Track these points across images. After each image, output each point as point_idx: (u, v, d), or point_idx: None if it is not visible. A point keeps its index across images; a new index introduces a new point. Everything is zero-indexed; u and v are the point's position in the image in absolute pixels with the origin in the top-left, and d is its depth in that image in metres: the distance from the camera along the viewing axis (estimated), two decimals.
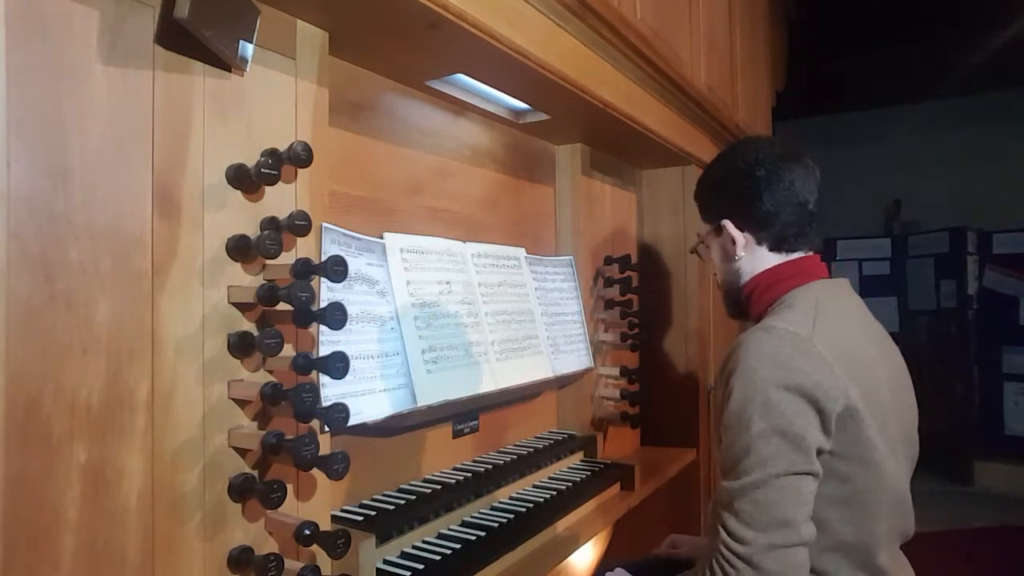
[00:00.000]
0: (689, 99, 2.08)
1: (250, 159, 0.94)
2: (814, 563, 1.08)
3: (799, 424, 1.01)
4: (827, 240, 5.61)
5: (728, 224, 1.24)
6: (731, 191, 1.24)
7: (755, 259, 1.24)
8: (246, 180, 0.93)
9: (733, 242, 1.24)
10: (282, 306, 0.94)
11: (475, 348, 1.49)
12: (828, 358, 1.04)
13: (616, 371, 2.06)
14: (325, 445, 1.05)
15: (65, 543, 0.74)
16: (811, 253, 1.24)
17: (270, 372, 0.98)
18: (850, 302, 1.21)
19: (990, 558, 3.54)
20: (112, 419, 0.79)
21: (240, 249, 0.92)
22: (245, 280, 0.95)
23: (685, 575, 1.21)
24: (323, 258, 1.02)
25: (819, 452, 1.03)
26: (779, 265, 1.22)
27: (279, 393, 0.90)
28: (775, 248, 1.23)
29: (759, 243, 1.23)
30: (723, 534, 1.04)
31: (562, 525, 1.48)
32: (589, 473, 1.74)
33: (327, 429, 1.00)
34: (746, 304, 1.25)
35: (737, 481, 1.04)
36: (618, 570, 1.44)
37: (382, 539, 1.17)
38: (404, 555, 1.22)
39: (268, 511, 0.96)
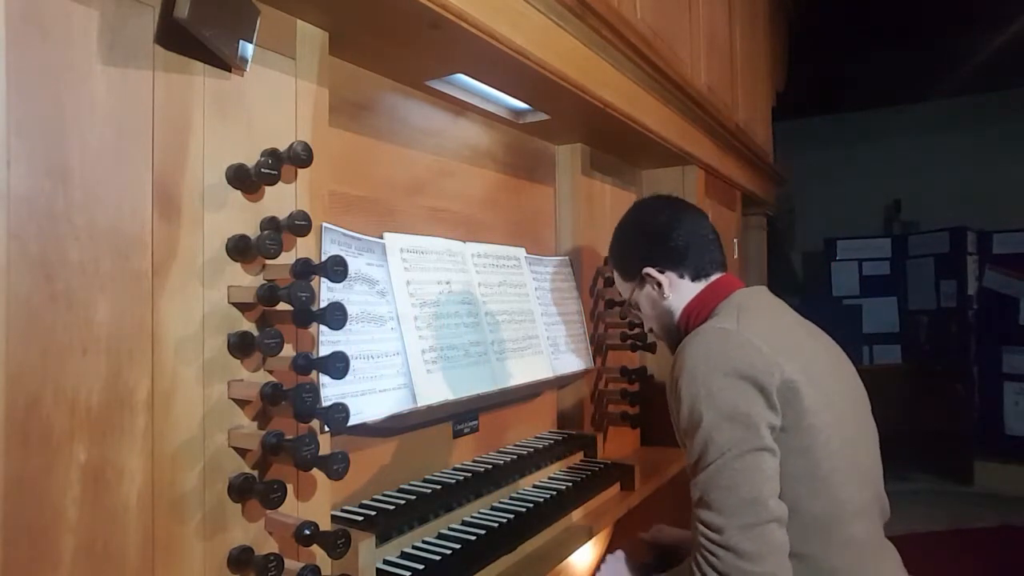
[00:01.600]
0: (689, 99, 2.08)
1: (250, 159, 0.94)
2: (794, 547, 1.09)
3: (743, 404, 1.08)
4: (827, 240, 5.62)
5: (650, 270, 1.35)
6: (643, 242, 1.38)
7: (681, 293, 1.35)
8: (246, 180, 0.93)
9: (658, 284, 1.35)
10: (282, 306, 0.94)
11: (475, 348, 1.49)
12: (756, 342, 1.13)
13: (616, 371, 2.06)
14: (325, 445, 1.05)
15: (65, 543, 0.74)
16: (724, 274, 1.37)
17: (270, 372, 0.98)
18: (771, 300, 1.33)
19: (990, 558, 3.54)
20: (112, 419, 0.79)
21: (240, 249, 0.92)
22: (245, 280, 0.95)
23: (675, 571, 1.24)
24: (323, 258, 1.02)
25: (772, 429, 1.09)
26: (702, 291, 1.33)
27: (279, 393, 0.90)
28: (696, 277, 1.35)
29: (680, 276, 1.35)
30: (700, 527, 1.10)
31: (562, 525, 1.48)
32: (589, 473, 1.74)
33: (327, 429, 1.00)
34: (687, 333, 1.30)
35: (704, 474, 1.10)
36: (618, 551, 1.50)
37: (382, 539, 1.17)
38: (404, 555, 1.22)
39: (268, 511, 0.96)
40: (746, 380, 1.09)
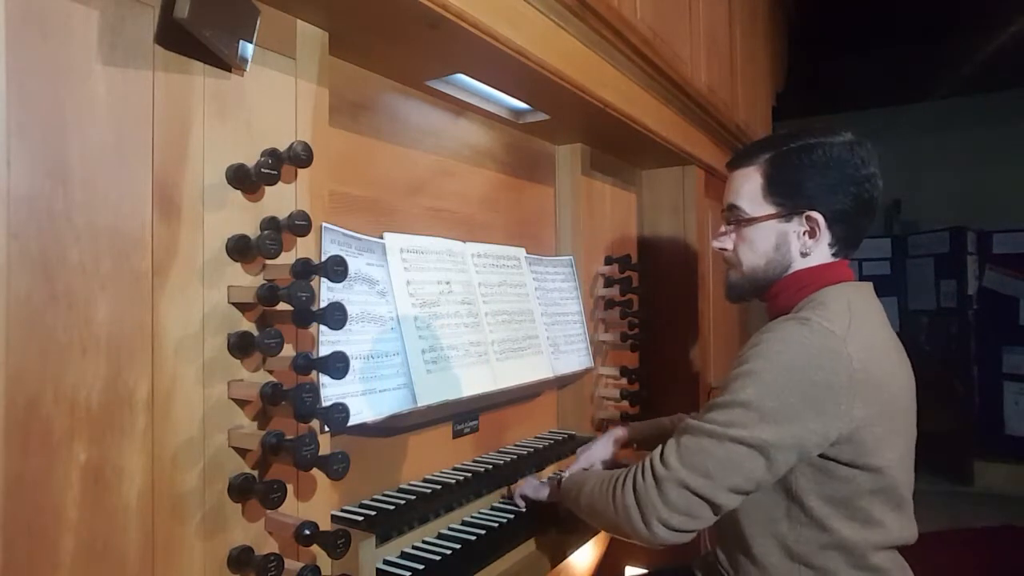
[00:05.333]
0: (689, 99, 2.08)
1: (250, 159, 0.94)
2: (814, 560, 1.10)
3: (789, 413, 1.02)
4: None
5: (818, 216, 1.15)
6: (835, 183, 1.15)
7: (815, 256, 1.18)
8: (246, 180, 0.93)
9: (811, 235, 1.17)
10: (282, 306, 0.94)
11: (475, 348, 1.49)
12: (855, 363, 1.03)
13: (616, 371, 2.06)
14: (325, 445, 1.05)
15: (65, 543, 0.74)
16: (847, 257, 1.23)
17: (270, 372, 0.98)
18: (876, 307, 1.19)
19: (990, 558, 3.54)
20: (112, 419, 0.79)
21: (240, 249, 0.92)
22: (245, 280, 0.95)
23: (600, 471, 1.25)
24: (323, 258, 1.02)
25: (803, 452, 1.05)
26: (822, 266, 1.18)
27: (279, 393, 0.90)
28: (838, 252, 1.19)
29: (831, 244, 1.18)
30: (657, 451, 1.10)
31: (562, 525, 1.48)
32: None
33: (327, 429, 1.00)
34: (773, 295, 1.22)
35: (698, 423, 1.08)
36: (529, 478, 1.48)
37: (382, 539, 1.17)
38: (404, 555, 1.22)
39: (268, 511, 0.96)
40: (822, 397, 1.01)
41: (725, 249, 1.27)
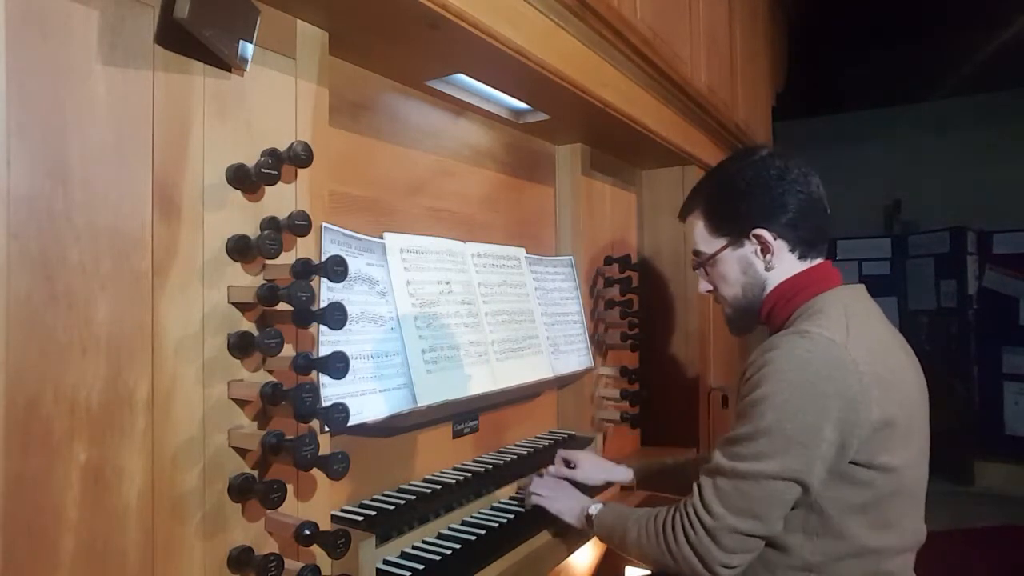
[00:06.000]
0: (689, 99, 2.08)
1: (250, 159, 0.94)
2: (828, 569, 1.09)
3: (810, 432, 1.02)
4: None
5: (763, 232, 1.20)
6: (763, 197, 1.20)
7: (782, 268, 1.21)
8: (246, 180, 0.93)
9: (765, 251, 1.21)
10: (282, 306, 0.94)
11: (475, 348, 1.49)
12: (861, 367, 1.03)
13: (616, 371, 2.06)
14: (325, 445, 1.04)
15: (65, 543, 0.74)
16: (827, 260, 1.24)
17: (270, 372, 0.98)
18: (873, 308, 1.20)
19: (991, 558, 3.54)
20: (112, 419, 0.79)
21: (240, 249, 0.92)
22: (245, 280, 0.95)
23: (636, 512, 1.24)
24: (323, 258, 1.02)
25: (830, 462, 1.04)
26: (802, 273, 1.20)
27: (279, 393, 0.90)
28: (803, 255, 1.21)
29: (791, 250, 1.21)
30: (696, 497, 1.10)
31: (562, 525, 1.48)
32: None
33: (327, 429, 1.00)
34: (766, 315, 1.24)
35: (730, 463, 1.08)
36: (546, 481, 1.50)
37: (382, 539, 1.17)
38: (404, 555, 1.22)
39: (268, 511, 0.96)
40: (834, 407, 1.02)
41: (709, 291, 1.34)
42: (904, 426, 1.07)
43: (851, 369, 1.03)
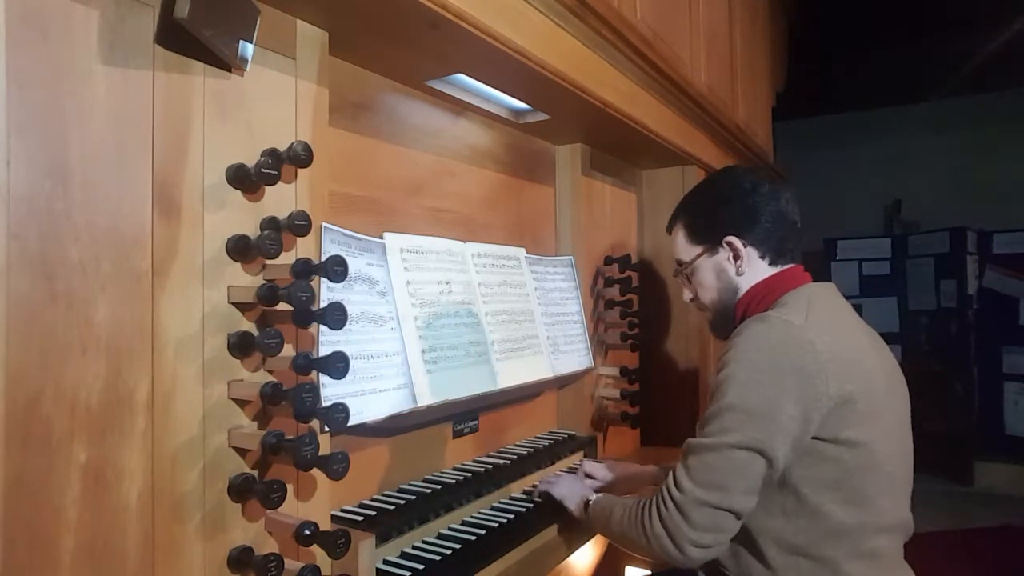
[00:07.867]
0: (689, 99, 2.08)
1: (250, 159, 0.94)
2: (813, 550, 1.13)
3: (775, 405, 1.08)
4: (827, 240, 5.61)
5: (734, 239, 1.30)
6: (735, 208, 1.32)
7: (753, 273, 1.31)
8: (246, 180, 0.93)
9: (736, 257, 1.31)
10: (282, 306, 0.94)
11: (475, 348, 1.49)
12: (817, 346, 1.10)
13: (616, 371, 2.06)
14: (325, 445, 1.05)
15: (65, 543, 0.74)
16: (798, 265, 1.33)
17: (270, 372, 0.98)
18: (839, 301, 1.28)
19: (990, 558, 3.54)
20: (112, 419, 0.79)
21: (240, 249, 0.92)
22: (245, 280, 0.95)
23: (625, 499, 1.29)
24: (323, 258, 1.02)
25: (794, 438, 1.09)
26: (772, 276, 1.30)
27: (279, 393, 0.90)
28: (773, 261, 1.31)
29: (761, 257, 1.31)
30: (669, 478, 1.16)
31: (562, 525, 1.48)
32: None
33: (327, 429, 1.00)
34: (743, 316, 1.30)
35: (697, 440, 1.14)
36: (563, 478, 1.56)
37: (382, 539, 1.17)
38: (404, 555, 1.22)
39: (268, 511, 0.96)
40: (792, 382, 1.08)
41: (692, 299, 1.43)
42: (865, 402, 1.11)
43: (807, 348, 1.09)
